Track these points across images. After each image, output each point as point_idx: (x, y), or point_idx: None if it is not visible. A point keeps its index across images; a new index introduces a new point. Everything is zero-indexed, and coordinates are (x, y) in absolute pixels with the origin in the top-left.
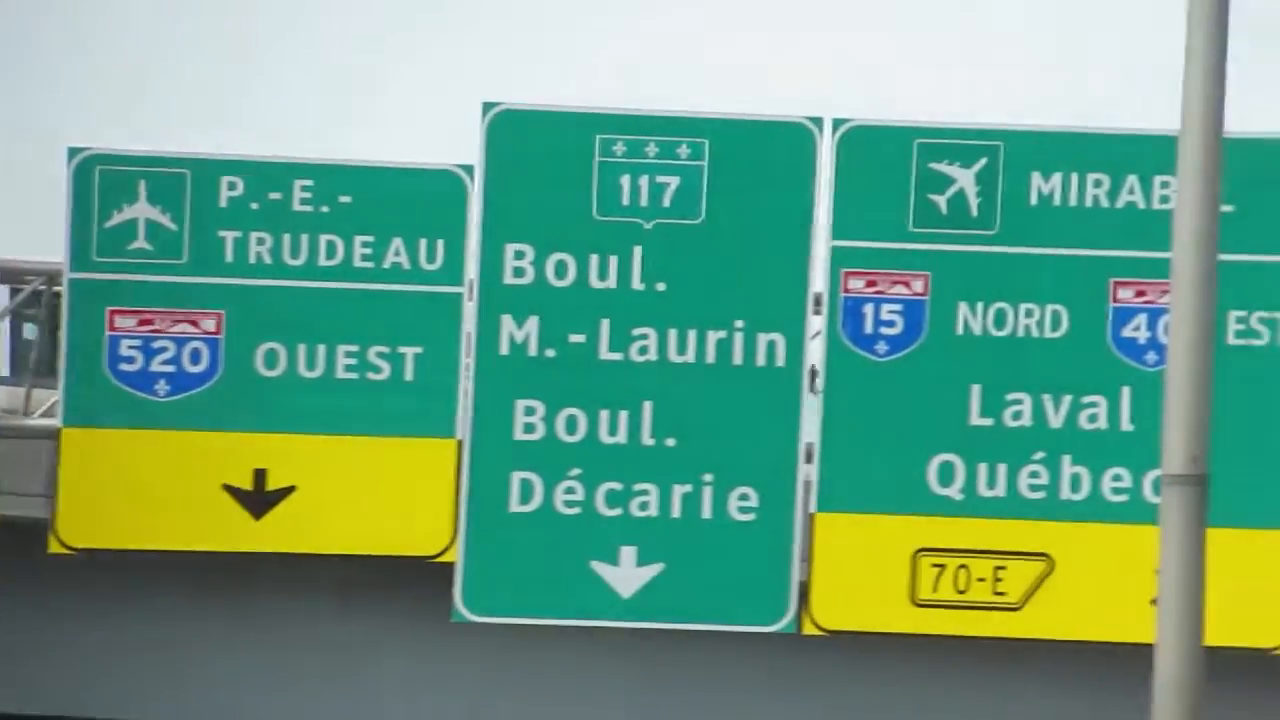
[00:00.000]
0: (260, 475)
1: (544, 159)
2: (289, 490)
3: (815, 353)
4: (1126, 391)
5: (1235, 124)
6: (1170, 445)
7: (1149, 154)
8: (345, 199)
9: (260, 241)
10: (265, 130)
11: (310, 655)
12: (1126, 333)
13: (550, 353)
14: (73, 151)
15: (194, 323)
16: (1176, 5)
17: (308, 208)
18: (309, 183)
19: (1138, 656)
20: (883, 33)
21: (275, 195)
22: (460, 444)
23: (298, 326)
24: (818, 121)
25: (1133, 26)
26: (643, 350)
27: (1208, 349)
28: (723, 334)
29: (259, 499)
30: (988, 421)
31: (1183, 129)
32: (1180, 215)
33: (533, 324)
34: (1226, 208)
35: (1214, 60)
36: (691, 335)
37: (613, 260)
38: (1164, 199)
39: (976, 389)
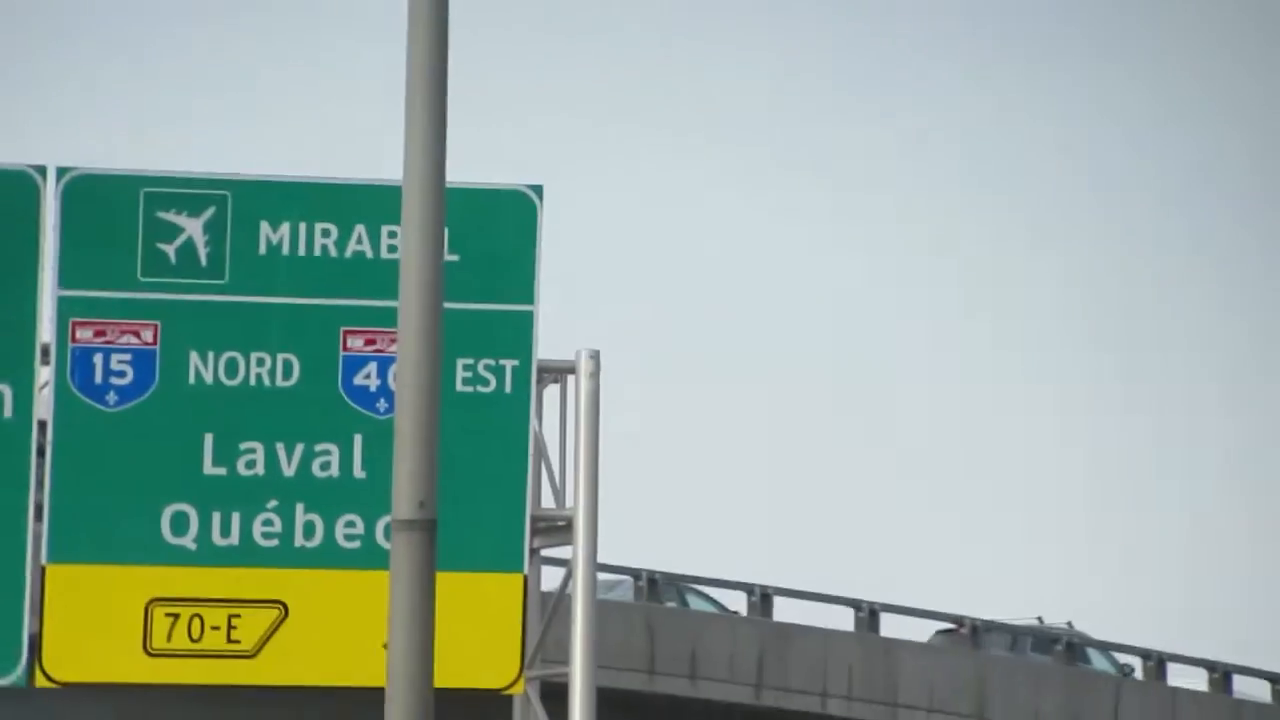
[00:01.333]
0: None
1: None
2: None
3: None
4: (359, 439)
5: (458, 174)
6: (400, 491)
7: (376, 203)
8: None
9: None
10: None
11: None
12: (358, 381)
13: None
14: None
15: None
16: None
17: None
18: None
19: (375, 700)
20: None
21: None
22: None
23: None
24: (42, 170)
25: (360, 71)
26: None
27: (434, 396)
28: None
29: None
30: (221, 470)
31: (406, 179)
32: (406, 264)
33: None
34: (451, 257)
35: (435, 112)
36: None
37: None
38: (391, 248)
39: (209, 438)
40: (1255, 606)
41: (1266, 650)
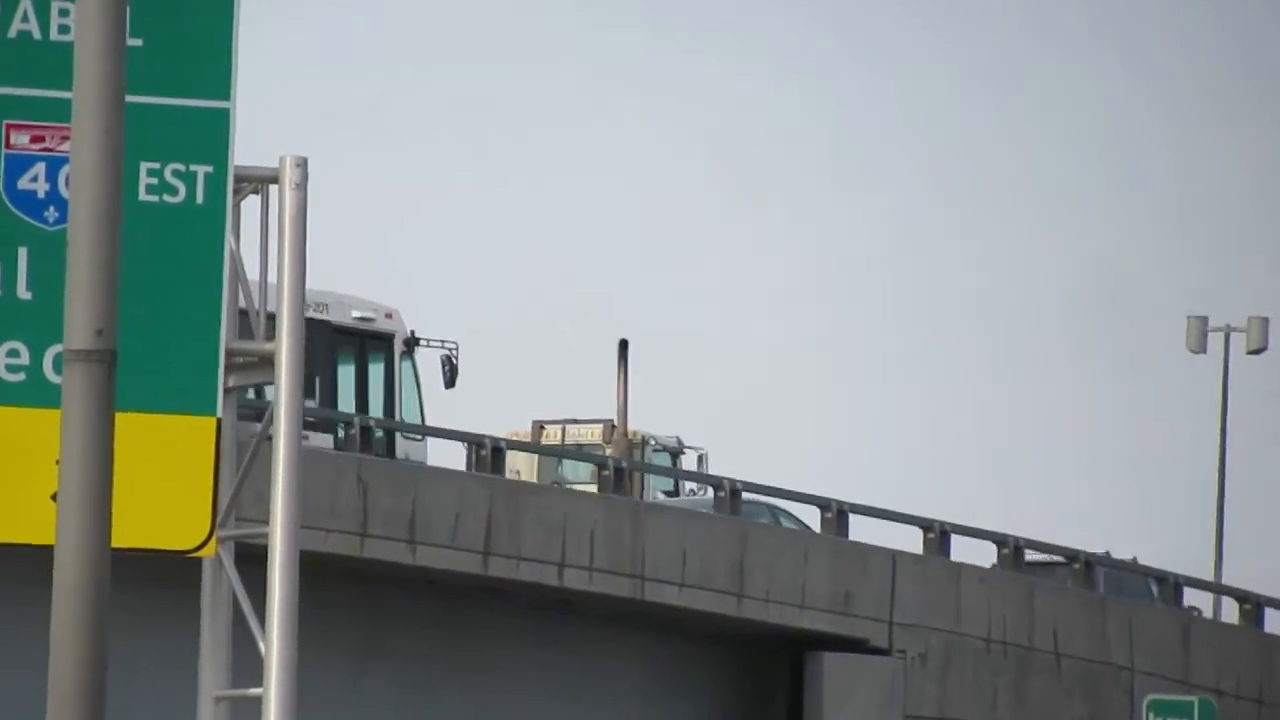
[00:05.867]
0: None
1: None
2: None
3: None
4: (24, 253)
5: None
6: (73, 317)
7: None
8: None
9: None
10: None
11: None
12: (23, 184)
13: None
14: None
15: None
16: None
17: None
18: None
19: (41, 560)
20: None
21: None
22: None
23: None
24: None
25: None
26: None
27: (115, 205)
28: None
29: None
30: None
31: None
32: (82, 48)
33: None
34: (134, 41)
35: None
36: None
37: None
38: (64, 29)
39: None
40: None
41: None
